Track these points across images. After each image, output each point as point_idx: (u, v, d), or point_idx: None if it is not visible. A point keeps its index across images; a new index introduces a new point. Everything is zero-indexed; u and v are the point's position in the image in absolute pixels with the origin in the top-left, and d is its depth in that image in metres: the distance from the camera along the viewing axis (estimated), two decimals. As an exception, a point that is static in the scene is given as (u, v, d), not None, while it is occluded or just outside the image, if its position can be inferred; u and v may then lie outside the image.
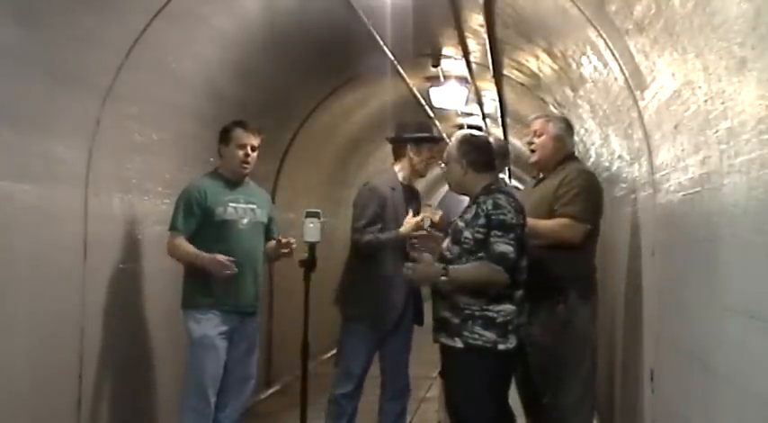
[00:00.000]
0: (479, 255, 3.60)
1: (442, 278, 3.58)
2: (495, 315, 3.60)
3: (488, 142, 3.97)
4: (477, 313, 3.60)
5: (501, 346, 3.59)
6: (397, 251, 4.45)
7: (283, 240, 4.40)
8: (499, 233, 3.57)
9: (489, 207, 3.61)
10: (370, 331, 4.55)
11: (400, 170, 4.68)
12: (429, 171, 4.75)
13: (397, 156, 4.70)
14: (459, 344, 3.63)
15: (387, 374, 4.69)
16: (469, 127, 4.93)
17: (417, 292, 4.65)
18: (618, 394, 5.10)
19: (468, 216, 3.69)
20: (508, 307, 3.62)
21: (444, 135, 4.98)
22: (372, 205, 4.52)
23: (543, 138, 4.39)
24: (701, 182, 3.01)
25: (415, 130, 4.71)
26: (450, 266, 3.61)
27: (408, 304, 4.59)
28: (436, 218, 4.50)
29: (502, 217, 3.58)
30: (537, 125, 4.47)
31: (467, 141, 3.86)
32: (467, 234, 3.64)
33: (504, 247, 3.55)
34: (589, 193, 4.24)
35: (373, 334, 4.56)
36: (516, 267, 3.62)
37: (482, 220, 3.61)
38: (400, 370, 4.66)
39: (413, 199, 4.70)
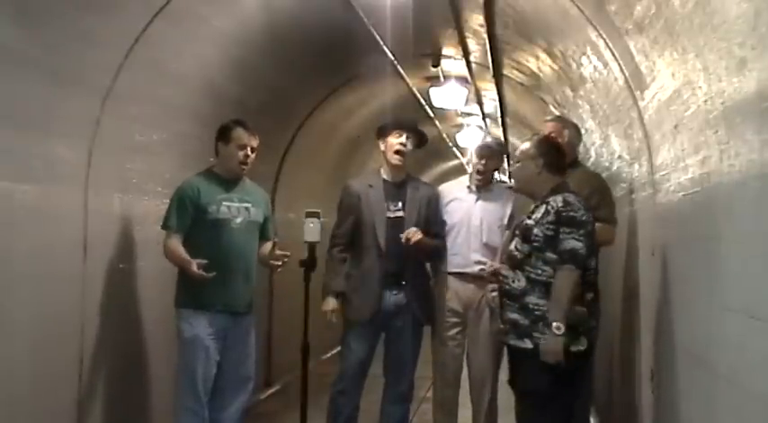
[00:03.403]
0: (547, 253, 3.61)
1: (558, 331, 3.52)
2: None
3: (562, 147, 4.03)
4: (547, 314, 3.59)
5: (572, 348, 3.59)
6: (372, 247, 4.53)
7: (279, 252, 4.40)
8: (568, 230, 3.58)
9: (559, 204, 3.63)
10: (353, 326, 4.58)
11: (383, 167, 4.72)
12: (402, 159, 4.63)
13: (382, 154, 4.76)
14: (528, 345, 3.62)
15: (388, 376, 4.69)
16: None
17: (426, 292, 4.66)
18: (618, 394, 5.10)
19: (538, 215, 3.70)
20: (579, 309, 3.62)
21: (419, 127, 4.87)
22: (343, 206, 4.70)
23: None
24: (701, 182, 3.01)
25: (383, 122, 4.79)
26: (550, 315, 3.55)
27: (411, 305, 4.58)
28: (417, 236, 4.49)
29: (572, 214, 3.60)
30: (552, 128, 4.52)
31: (546, 142, 3.92)
32: (537, 231, 3.65)
33: (573, 243, 3.57)
34: (609, 195, 4.37)
35: (360, 330, 4.56)
36: (586, 267, 3.64)
37: (551, 217, 3.62)
38: (401, 373, 4.65)
39: (401, 194, 4.64)
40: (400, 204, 4.61)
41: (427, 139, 4.89)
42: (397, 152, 4.61)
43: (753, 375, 2.37)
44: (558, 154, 3.89)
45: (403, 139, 4.61)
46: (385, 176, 4.68)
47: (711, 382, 2.83)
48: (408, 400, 4.73)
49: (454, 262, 4.86)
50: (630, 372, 4.54)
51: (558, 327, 3.52)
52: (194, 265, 4.11)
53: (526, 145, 3.90)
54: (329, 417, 4.64)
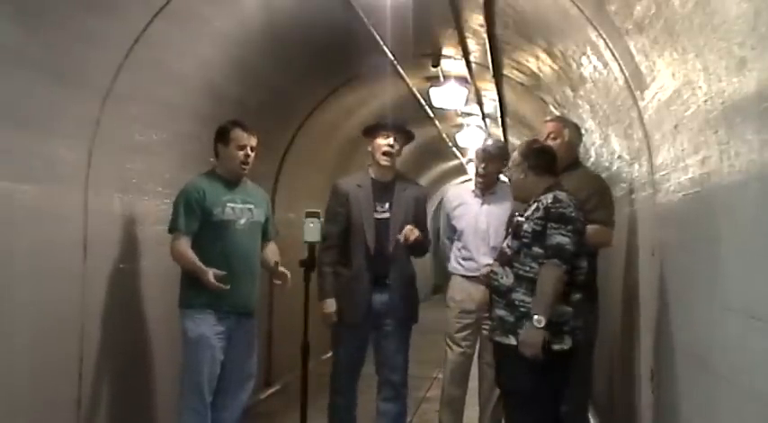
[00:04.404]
0: (534, 248, 3.62)
1: (538, 324, 3.54)
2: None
3: (550, 148, 4.05)
4: (530, 308, 3.61)
5: (555, 346, 3.60)
6: (361, 247, 4.52)
7: (280, 270, 4.40)
8: (556, 225, 3.61)
9: (549, 200, 3.66)
10: (343, 327, 4.57)
11: (371, 167, 4.71)
12: (390, 160, 4.62)
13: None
14: (512, 341, 3.64)
15: (380, 375, 4.69)
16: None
17: (411, 291, 4.68)
18: (618, 394, 5.10)
19: (528, 212, 3.73)
20: (564, 308, 3.64)
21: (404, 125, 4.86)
22: (332, 204, 4.65)
23: (558, 141, 4.43)
24: (701, 182, 3.01)
25: (371, 122, 4.78)
26: (532, 308, 3.58)
27: (398, 304, 4.58)
28: (412, 236, 4.49)
29: (561, 210, 3.63)
30: (552, 127, 4.52)
31: (529, 146, 3.95)
32: (526, 227, 3.68)
33: (560, 238, 3.59)
34: (608, 197, 4.36)
35: (350, 331, 4.56)
36: (574, 265, 3.65)
37: (540, 213, 3.65)
38: (392, 371, 4.64)
39: (388, 195, 4.64)
40: (387, 205, 4.62)
41: (414, 136, 4.90)
42: (384, 153, 4.61)
43: (753, 375, 2.37)
44: (546, 155, 3.90)
45: (390, 140, 4.60)
46: (373, 176, 4.68)
47: (711, 382, 2.83)
48: (404, 397, 4.73)
49: (467, 266, 4.89)
50: (630, 372, 4.54)
51: (538, 320, 3.53)
52: (210, 275, 4.11)
53: (514, 153, 3.99)
54: (329, 415, 4.68)
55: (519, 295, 3.65)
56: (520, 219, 3.76)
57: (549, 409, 3.71)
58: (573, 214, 3.65)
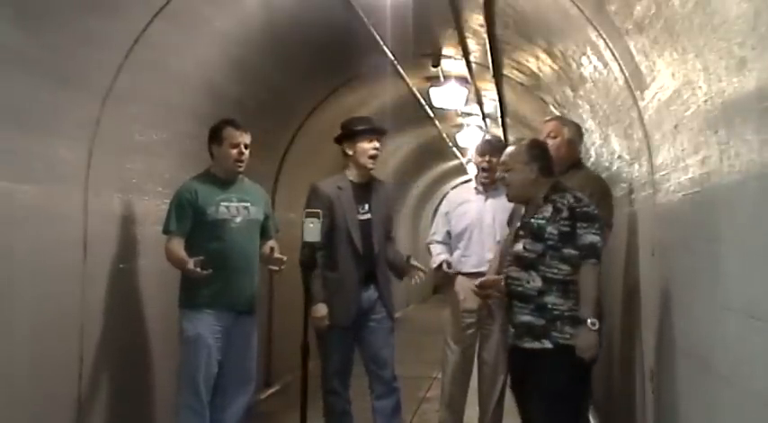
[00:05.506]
0: (564, 249, 3.61)
1: (593, 326, 3.55)
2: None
3: (549, 148, 4.03)
4: (565, 313, 3.59)
5: None
6: (348, 249, 4.52)
7: (275, 255, 4.39)
8: (585, 225, 3.61)
9: (571, 200, 3.65)
10: (332, 329, 4.54)
11: (349, 169, 4.69)
12: (375, 163, 4.65)
13: (344, 156, 4.71)
14: (547, 344, 3.60)
15: (369, 374, 4.70)
16: None
17: (386, 290, 4.69)
18: (618, 394, 5.10)
19: (547, 214, 3.67)
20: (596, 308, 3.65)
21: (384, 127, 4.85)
22: (315, 205, 4.49)
23: (558, 140, 4.41)
24: (701, 182, 3.01)
25: (349, 125, 4.74)
26: (582, 311, 3.57)
27: (385, 301, 4.61)
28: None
29: (585, 209, 3.64)
30: (551, 126, 4.51)
31: (536, 146, 3.89)
32: (551, 229, 3.63)
33: (592, 237, 3.60)
34: (607, 199, 4.36)
35: (339, 332, 4.55)
36: None
37: (565, 214, 3.63)
38: (380, 368, 4.65)
39: (367, 196, 4.66)
40: (367, 207, 4.64)
41: (386, 132, 4.93)
42: (371, 157, 4.62)
43: (753, 375, 2.38)
44: (548, 154, 3.89)
45: (376, 143, 4.62)
46: (352, 178, 4.68)
47: (711, 381, 2.84)
48: (396, 391, 4.72)
49: (468, 263, 4.90)
50: (630, 372, 4.54)
51: (593, 323, 3.54)
52: (190, 264, 4.10)
53: (514, 150, 3.87)
54: (324, 415, 4.67)
55: (551, 298, 3.60)
56: (539, 221, 3.67)
57: (577, 408, 3.73)
58: (596, 212, 3.68)
